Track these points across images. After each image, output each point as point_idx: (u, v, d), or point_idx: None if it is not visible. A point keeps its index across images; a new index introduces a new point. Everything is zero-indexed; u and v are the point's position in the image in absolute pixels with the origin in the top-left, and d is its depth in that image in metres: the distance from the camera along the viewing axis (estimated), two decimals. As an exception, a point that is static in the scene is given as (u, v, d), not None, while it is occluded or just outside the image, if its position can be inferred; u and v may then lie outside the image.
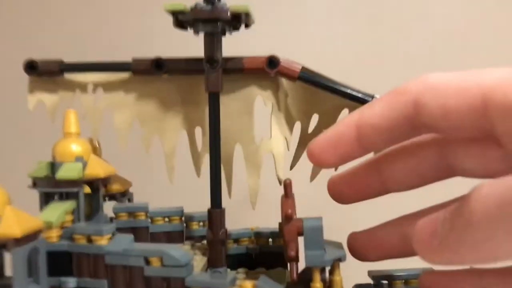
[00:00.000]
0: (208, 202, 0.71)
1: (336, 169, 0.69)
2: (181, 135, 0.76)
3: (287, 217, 0.66)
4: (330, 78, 0.72)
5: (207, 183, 0.71)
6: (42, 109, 0.77)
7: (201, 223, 0.83)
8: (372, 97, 0.71)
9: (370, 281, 0.76)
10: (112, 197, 0.87)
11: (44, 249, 0.60)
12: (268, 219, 0.82)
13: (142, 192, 0.90)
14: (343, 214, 0.83)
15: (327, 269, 0.68)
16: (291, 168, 0.78)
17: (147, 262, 0.62)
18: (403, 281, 0.79)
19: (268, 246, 0.81)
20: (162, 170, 0.78)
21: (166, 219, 0.81)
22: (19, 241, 0.55)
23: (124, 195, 0.89)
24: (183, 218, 0.82)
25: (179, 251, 0.62)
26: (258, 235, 0.82)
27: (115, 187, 0.88)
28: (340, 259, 0.67)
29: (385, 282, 0.79)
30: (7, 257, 0.60)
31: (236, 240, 0.81)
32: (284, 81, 0.73)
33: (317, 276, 0.65)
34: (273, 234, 0.82)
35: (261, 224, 0.84)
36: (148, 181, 1.01)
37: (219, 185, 0.70)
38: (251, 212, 0.78)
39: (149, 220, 0.81)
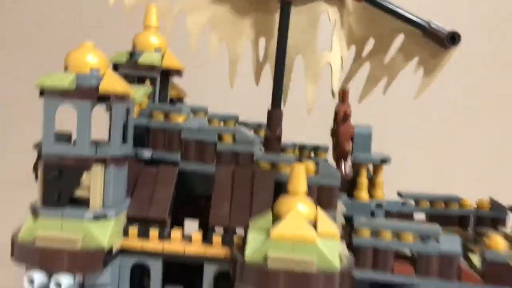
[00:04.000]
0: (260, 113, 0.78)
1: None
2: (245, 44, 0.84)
3: (345, 117, 0.74)
4: (392, 2, 0.79)
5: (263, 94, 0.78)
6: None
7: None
8: (428, 23, 0.78)
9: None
10: (170, 101, 0.95)
11: (133, 114, 0.68)
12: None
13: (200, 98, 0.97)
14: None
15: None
16: (345, 84, 0.85)
17: (220, 138, 0.70)
18: (429, 201, 0.89)
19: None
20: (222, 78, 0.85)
21: (222, 123, 0.89)
22: (118, 97, 0.63)
23: (180, 101, 0.96)
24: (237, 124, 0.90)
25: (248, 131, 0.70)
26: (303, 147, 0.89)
27: (174, 93, 0.95)
28: (386, 161, 0.75)
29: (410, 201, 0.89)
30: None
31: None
32: (349, 1, 0.80)
33: (363, 172, 0.74)
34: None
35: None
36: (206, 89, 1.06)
37: (280, 88, 0.78)
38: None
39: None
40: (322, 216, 0.62)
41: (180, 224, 0.72)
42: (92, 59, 0.63)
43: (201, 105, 0.87)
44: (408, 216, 0.87)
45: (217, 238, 0.65)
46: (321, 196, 0.66)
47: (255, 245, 0.59)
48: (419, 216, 0.92)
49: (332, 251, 0.58)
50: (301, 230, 0.58)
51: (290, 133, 0.87)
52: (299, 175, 0.62)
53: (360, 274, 0.65)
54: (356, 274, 0.65)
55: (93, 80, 0.62)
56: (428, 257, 0.64)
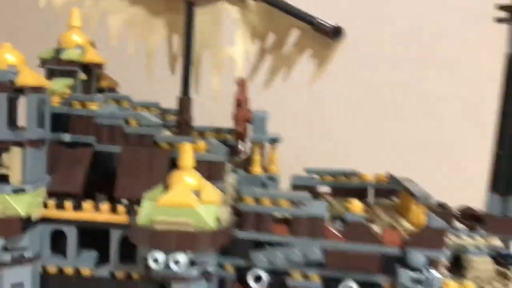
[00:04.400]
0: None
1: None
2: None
3: (239, 103, 0.85)
4: (285, 1, 0.90)
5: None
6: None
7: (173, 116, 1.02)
8: (314, 18, 0.90)
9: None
10: (101, 91, 1.05)
11: (49, 102, 0.79)
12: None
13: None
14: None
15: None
16: (251, 77, 0.97)
17: (127, 122, 0.81)
18: (332, 176, 1.01)
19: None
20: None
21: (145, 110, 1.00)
22: (33, 89, 0.74)
23: (111, 91, 1.07)
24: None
25: (152, 115, 0.82)
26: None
27: (105, 83, 1.06)
28: (276, 140, 0.87)
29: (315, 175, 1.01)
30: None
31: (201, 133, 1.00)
32: (250, 1, 0.92)
33: (257, 150, 0.85)
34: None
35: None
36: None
37: (188, 78, 0.89)
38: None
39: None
40: (207, 187, 0.74)
41: (95, 197, 0.83)
42: (10, 57, 0.74)
43: (125, 94, 0.98)
44: (313, 189, 1.00)
45: (121, 208, 0.77)
46: (211, 170, 0.78)
47: (146, 211, 0.71)
48: (324, 189, 1.05)
49: (209, 214, 0.70)
50: (183, 197, 0.70)
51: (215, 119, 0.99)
52: (187, 152, 0.73)
53: (244, 234, 0.77)
54: (240, 234, 0.77)
55: (10, 75, 0.73)
56: (299, 219, 0.76)
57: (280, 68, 0.96)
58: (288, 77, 0.96)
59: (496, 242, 0.99)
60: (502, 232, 0.85)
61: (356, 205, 0.76)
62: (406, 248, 0.74)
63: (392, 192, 1.01)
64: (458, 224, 1.00)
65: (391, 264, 0.75)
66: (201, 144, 0.78)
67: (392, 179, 0.99)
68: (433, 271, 0.73)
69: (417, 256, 0.73)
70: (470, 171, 1.25)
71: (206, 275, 0.72)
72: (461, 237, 0.96)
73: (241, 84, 0.87)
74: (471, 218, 0.91)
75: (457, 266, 0.87)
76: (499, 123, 0.86)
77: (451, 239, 0.94)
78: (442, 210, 0.91)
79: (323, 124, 1.52)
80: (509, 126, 0.84)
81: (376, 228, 0.79)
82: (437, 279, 0.72)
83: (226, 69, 0.92)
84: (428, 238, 0.74)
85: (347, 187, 1.02)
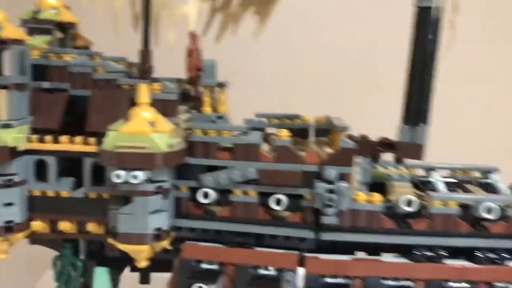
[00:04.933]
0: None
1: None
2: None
3: (190, 53, 1.01)
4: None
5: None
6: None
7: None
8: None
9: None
10: (77, 49, 1.21)
11: (29, 54, 0.95)
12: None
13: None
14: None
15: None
16: (204, 32, 1.12)
17: (95, 70, 0.97)
18: (277, 119, 1.18)
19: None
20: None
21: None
22: (15, 41, 0.89)
23: (86, 49, 1.22)
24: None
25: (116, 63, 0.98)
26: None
27: (80, 43, 1.21)
28: (223, 85, 1.03)
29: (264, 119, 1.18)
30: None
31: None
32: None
33: (207, 93, 1.02)
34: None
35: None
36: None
37: (148, 33, 1.04)
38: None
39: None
40: (160, 120, 0.90)
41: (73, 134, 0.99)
42: (-6, 15, 0.90)
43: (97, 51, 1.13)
44: (262, 130, 1.17)
45: (92, 140, 0.93)
46: (165, 107, 0.94)
47: (111, 139, 0.87)
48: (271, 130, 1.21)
49: (161, 141, 0.87)
50: (140, 127, 0.87)
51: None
52: (143, 92, 0.90)
53: (195, 160, 0.94)
54: (192, 160, 0.94)
55: (-5, 30, 0.89)
56: (238, 147, 0.93)
57: (229, 24, 1.12)
58: (235, 31, 1.12)
59: (418, 171, 1.18)
60: (411, 156, 1.02)
61: (283, 133, 0.93)
62: (322, 166, 0.92)
63: (328, 131, 1.19)
64: (386, 157, 1.18)
65: (311, 179, 0.92)
66: (156, 85, 0.95)
67: (327, 119, 1.16)
68: (344, 183, 0.90)
69: (330, 172, 0.90)
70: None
71: (161, 191, 0.90)
72: (388, 168, 1.14)
73: (193, 37, 1.03)
74: (387, 146, 1.09)
75: (383, 192, 1.05)
76: (408, 68, 1.03)
77: (379, 169, 1.13)
78: (362, 139, 1.09)
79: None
80: (416, 69, 1.00)
81: (301, 152, 0.96)
82: (346, 189, 0.90)
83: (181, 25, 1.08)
84: (340, 157, 0.91)
85: (291, 128, 1.19)
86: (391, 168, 1.14)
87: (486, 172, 1.17)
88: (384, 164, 1.16)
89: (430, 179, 1.15)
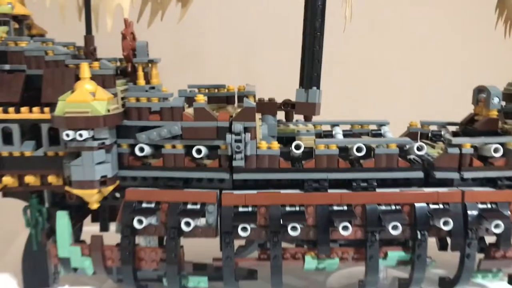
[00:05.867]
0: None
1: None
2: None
3: (123, 36, 1.24)
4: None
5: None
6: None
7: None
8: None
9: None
10: (32, 36, 1.42)
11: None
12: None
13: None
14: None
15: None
16: (138, 19, 1.35)
17: (47, 53, 1.20)
18: (207, 89, 1.42)
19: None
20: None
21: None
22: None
23: (41, 36, 1.44)
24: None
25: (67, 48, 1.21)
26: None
27: (35, 31, 1.43)
28: (153, 61, 1.27)
29: (196, 90, 1.42)
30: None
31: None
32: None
33: (140, 68, 1.25)
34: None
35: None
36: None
37: (89, 21, 1.27)
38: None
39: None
40: (100, 90, 1.13)
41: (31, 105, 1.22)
42: (-40, 11, 1.12)
43: (50, 38, 1.35)
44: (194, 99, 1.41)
45: (46, 109, 1.17)
46: (103, 80, 1.17)
47: (60, 107, 1.11)
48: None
49: (101, 106, 1.10)
50: (83, 96, 1.10)
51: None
52: (84, 68, 1.13)
53: (130, 122, 1.18)
54: (128, 122, 1.18)
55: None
56: (165, 109, 1.17)
57: (158, 11, 1.35)
58: (162, 17, 1.35)
59: (324, 127, 1.44)
60: (307, 113, 1.28)
61: (200, 98, 1.18)
62: (232, 122, 1.17)
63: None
64: (297, 117, 1.44)
65: (223, 133, 1.17)
66: (96, 64, 1.18)
67: (247, 87, 1.41)
68: (248, 134, 1.15)
69: (237, 126, 1.15)
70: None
71: (104, 146, 1.14)
72: (298, 125, 1.40)
73: (126, 22, 1.25)
74: (289, 106, 1.35)
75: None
76: (303, 40, 1.27)
77: (291, 126, 1.39)
78: (270, 101, 1.35)
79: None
80: (307, 42, 1.24)
81: (216, 113, 1.21)
82: (250, 139, 1.15)
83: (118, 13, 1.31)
84: (244, 114, 1.16)
85: (218, 96, 1.44)
86: (300, 125, 1.40)
87: (380, 125, 1.44)
88: (296, 122, 1.42)
89: (333, 132, 1.42)
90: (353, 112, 1.49)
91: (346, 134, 1.41)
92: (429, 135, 1.45)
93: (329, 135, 1.43)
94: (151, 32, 1.36)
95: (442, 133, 1.42)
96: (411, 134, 1.45)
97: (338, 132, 1.41)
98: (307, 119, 1.42)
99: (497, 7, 1.45)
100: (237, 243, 1.22)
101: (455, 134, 1.41)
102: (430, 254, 1.20)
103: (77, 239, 1.33)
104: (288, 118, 1.44)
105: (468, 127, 1.36)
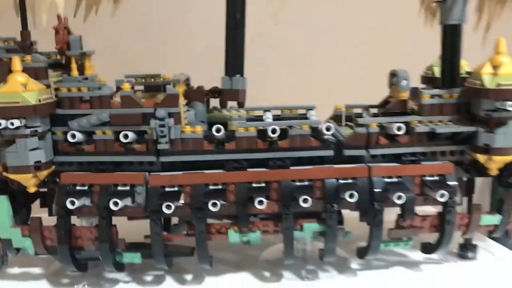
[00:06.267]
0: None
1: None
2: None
3: (56, 31, 1.32)
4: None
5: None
6: None
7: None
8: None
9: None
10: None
11: None
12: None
13: None
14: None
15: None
16: (74, 14, 1.44)
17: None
18: (144, 79, 1.51)
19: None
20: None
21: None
22: None
23: None
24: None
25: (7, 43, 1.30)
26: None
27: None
28: (85, 53, 1.35)
29: (133, 79, 1.51)
30: None
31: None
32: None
33: (73, 60, 1.33)
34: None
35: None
36: None
37: (25, 17, 1.35)
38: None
39: None
40: (31, 82, 1.22)
41: None
42: None
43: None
44: (133, 88, 1.50)
45: (-17, 100, 1.26)
46: (36, 73, 1.26)
47: (-6, 98, 1.20)
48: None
49: (31, 97, 1.19)
50: (14, 88, 1.19)
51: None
52: (15, 62, 1.21)
53: (62, 111, 1.27)
54: (60, 111, 1.27)
55: None
56: (95, 98, 1.27)
57: (92, 6, 1.44)
58: (97, 12, 1.44)
59: (256, 113, 1.54)
60: (232, 99, 1.38)
61: (126, 86, 1.27)
62: (156, 108, 1.26)
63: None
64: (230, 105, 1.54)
65: (149, 118, 1.26)
66: (28, 57, 1.26)
67: (180, 76, 1.50)
68: (171, 120, 1.25)
69: (160, 112, 1.25)
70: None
71: (37, 134, 1.23)
72: (231, 111, 1.49)
73: (59, 18, 1.34)
74: (216, 92, 1.44)
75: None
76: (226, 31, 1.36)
77: (225, 112, 1.48)
78: (198, 89, 1.44)
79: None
80: (229, 34, 1.34)
81: (143, 100, 1.30)
82: (173, 124, 1.25)
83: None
84: (168, 101, 1.26)
85: (154, 85, 1.53)
86: (233, 111, 1.50)
87: (308, 109, 1.55)
88: (229, 109, 1.52)
89: (263, 117, 1.52)
90: (292, 99, 1.58)
91: (275, 119, 1.51)
92: (353, 117, 1.56)
93: (260, 119, 1.53)
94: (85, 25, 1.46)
95: (363, 115, 1.53)
96: (336, 116, 1.55)
97: (268, 117, 1.51)
98: (240, 105, 1.52)
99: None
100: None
101: (375, 115, 1.52)
102: (351, 227, 1.31)
103: (23, 222, 1.42)
104: (222, 105, 1.54)
105: (383, 108, 1.47)
